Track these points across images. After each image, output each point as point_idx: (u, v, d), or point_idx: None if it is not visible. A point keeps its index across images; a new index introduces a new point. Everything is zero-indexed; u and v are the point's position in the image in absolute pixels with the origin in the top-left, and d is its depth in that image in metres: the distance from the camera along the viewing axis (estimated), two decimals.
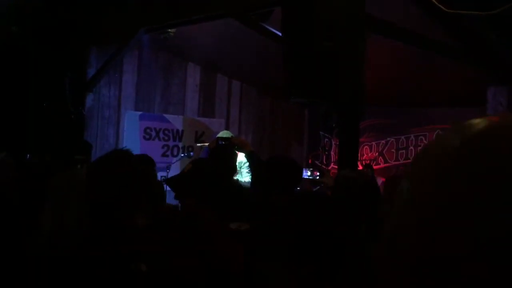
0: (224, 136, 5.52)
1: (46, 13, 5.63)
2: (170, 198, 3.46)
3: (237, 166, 4.62)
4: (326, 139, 8.74)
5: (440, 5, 3.32)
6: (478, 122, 0.49)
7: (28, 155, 5.05)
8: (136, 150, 6.73)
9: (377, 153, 8.10)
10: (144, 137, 7.14)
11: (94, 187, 1.58)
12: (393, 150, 7.91)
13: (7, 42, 5.70)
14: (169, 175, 5.57)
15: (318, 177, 6.88)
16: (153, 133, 7.22)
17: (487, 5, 3.33)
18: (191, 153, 6.45)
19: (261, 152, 8.34)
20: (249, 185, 5.38)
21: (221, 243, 1.93)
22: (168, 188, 3.23)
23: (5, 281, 1.86)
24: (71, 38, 5.90)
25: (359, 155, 7.29)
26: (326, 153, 8.72)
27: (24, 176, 3.08)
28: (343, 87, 2.99)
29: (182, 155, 6.79)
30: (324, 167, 8.56)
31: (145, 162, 3.48)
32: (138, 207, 1.58)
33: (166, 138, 7.34)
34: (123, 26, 5.77)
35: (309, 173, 7.01)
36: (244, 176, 5.38)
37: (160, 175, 5.40)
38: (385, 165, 7.95)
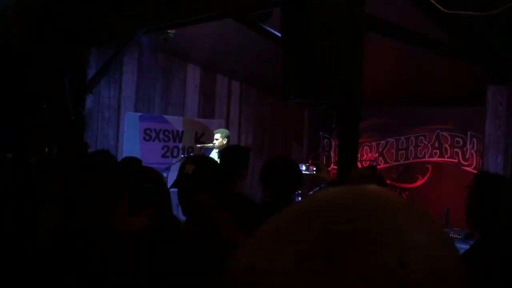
0: (220, 133, 5.48)
1: (46, 15, 5.63)
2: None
3: None
4: (326, 140, 8.74)
5: (438, 6, 3.32)
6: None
7: (27, 156, 5.05)
8: (136, 151, 6.75)
9: (377, 154, 8.10)
10: (144, 138, 7.15)
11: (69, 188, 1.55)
12: (393, 150, 7.91)
13: (7, 44, 5.71)
14: (169, 176, 5.57)
15: (314, 172, 6.88)
16: (153, 134, 7.23)
17: (486, 5, 3.33)
18: (191, 154, 6.45)
19: (261, 153, 8.36)
20: None
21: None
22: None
23: (5, 282, 1.86)
24: (70, 39, 5.90)
25: (359, 155, 7.30)
26: (326, 153, 8.72)
27: (23, 177, 3.08)
28: (342, 87, 2.99)
29: (182, 156, 6.80)
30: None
31: (135, 164, 3.47)
32: (116, 208, 1.55)
33: (166, 139, 7.34)
34: (122, 27, 5.77)
35: (304, 168, 7.01)
36: None
37: None
38: (385, 165, 7.95)
